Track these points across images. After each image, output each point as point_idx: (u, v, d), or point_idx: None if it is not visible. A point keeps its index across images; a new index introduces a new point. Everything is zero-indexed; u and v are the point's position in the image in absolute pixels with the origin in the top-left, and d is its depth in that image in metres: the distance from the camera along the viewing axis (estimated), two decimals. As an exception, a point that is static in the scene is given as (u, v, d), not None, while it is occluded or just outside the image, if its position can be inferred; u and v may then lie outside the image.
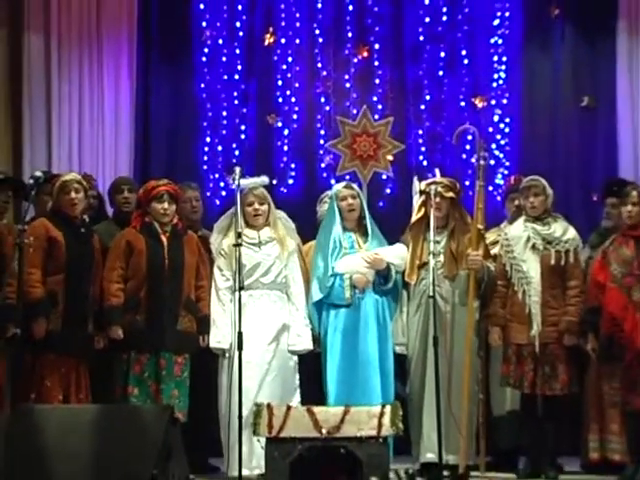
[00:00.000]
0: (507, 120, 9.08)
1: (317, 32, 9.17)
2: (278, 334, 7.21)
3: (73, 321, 6.85)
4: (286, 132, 9.15)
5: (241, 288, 6.76)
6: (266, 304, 7.23)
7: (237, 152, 9.10)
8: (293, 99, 9.18)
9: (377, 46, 9.16)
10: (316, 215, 7.92)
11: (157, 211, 7.09)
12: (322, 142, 8.95)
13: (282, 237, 7.32)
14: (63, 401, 6.73)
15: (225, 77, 9.18)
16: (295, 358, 7.25)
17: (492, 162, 8.80)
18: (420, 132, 9.07)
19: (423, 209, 7.35)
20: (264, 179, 7.43)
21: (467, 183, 8.26)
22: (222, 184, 8.98)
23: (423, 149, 9.05)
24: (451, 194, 7.28)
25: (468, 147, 8.61)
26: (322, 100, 9.13)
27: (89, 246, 7.00)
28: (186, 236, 7.20)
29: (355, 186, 7.51)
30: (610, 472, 7.11)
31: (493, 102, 9.09)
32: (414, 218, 7.45)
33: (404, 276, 7.32)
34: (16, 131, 8.77)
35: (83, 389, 6.88)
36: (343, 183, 7.53)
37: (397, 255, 7.34)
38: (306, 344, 7.25)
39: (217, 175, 9.08)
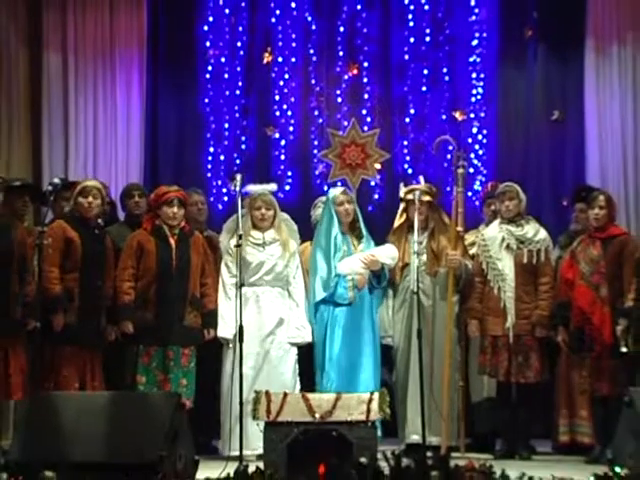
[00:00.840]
0: (484, 132, 9.09)
1: (311, 51, 9.18)
2: (277, 327, 7.23)
3: (87, 315, 6.84)
4: (283, 142, 9.17)
5: (242, 285, 6.73)
6: (269, 299, 7.25)
7: (238, 161, 9.11)
8: (289, 112, 9.19)
9: (366, 64, 9.17)
10: (310, 218, 7.93)
11: (167, 215, 7.09)
12: (316, 152, 8.96)
13: (285, 239, 7.34)
14: (79, 388, 6.72)
15: (227, 92, 9.18)
16: (295, 349, 7.29)
17: (471, 170, 8.83)
18: (405, 142, 9.09)
19: (405, 214, 7.39)
20: (273, 186, 7.51)
21: (448, 189, 8.26)
22: (224, 190, 8.99)
23: (408, 158, 9.06)
24: (428, 198, 7.31)
25: (449, 156, 8.61)
26: (315, 113, 9.15)
27: (102, 246, 6.99)
28: (192, 237, 7.19)
29: (348, 191, 7.53)
30: (578, 453, 7.14)
31: (472, 115, 9.11)
32: (396, 223, 7.49)
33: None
34: (36, 141, 8.77)
35: (97, 377, 6.87)
36: (340, 189, 7.50)
37: (389, 255, 7.34)
38: (306, 337, 7.26)
39: (220, 182, 9.08)
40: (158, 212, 7.11)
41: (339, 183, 7.73)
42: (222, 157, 9.14)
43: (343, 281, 7.27)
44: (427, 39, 9.14)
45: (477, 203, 8.56)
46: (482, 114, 9.10)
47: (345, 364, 7.18)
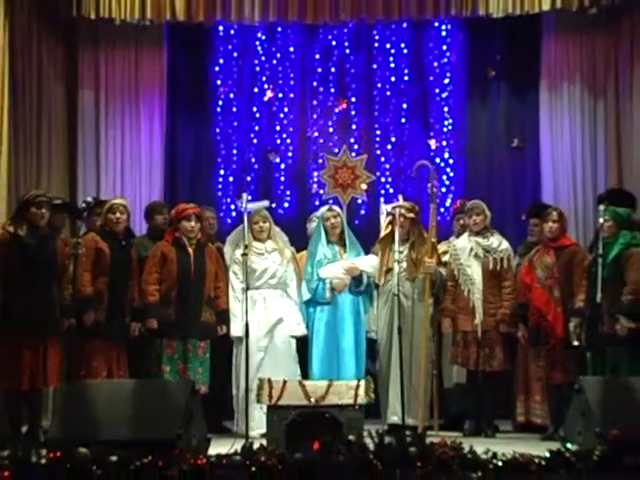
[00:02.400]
0: (454, 157, 9.10)
1: (307, 88, 9.18)
2: (279, 323, 7.25)
3: (114, 313, 6.85)
4: (283, 166, 9.15)
5: (247, 288, 6.85)
6: (272, 300, 7.27)
7: (245, 182, 9.10)
8: (288, 140, 9.17)
9: (353, 99, 9.15)
10: (307, 231, 7.93)
11: (186, 228, 7.10)
12: (315, 174, 8.92)
13: (282, 248, 7.37)
14: (107, 377, 6.72)
15: (235, 124, 9.16)
16: (294, 341, 7.29)
17: (443, 190, 8.84)
18: (387, 166, 9.07)
19: (390, 227, 7.38)
20: (265, 202, 7.55)
21: (423, 206, 8.25)
22: (233, 207, 8.97)
23: (390, 179, 9.05)
24: (412, 215, 7.32)
25: (424, 178, 8.61)
26: (310, 141, 9.14)
27: (128, 255, 6.99)
28: (207, 248, 7.21)
29: (336, 208, 7.53)
30: (534, 432, 7.14)
31: (444, 143, 9.09)
32: (382, 234, 7.48)
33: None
34: (72, 166, 8.76)
35: (122, 367, 6.88)
36: (327, 207, 7.55)
37: (370, 264, 7.36)
38: (303, 330, 7.30)
39: (229, 200, 9.05)
40: (178, 226, 7.12)
41: (331, 200, 7.74)
42: (231, 179, 9.12)
43: (323, 283, 7.31)
44: (405, 78, 9.13)
45: (448, 218, 8.55)
46: (452, 142, 9.10)
47: (327, 355, 7.21)
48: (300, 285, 7.39)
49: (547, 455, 5.49)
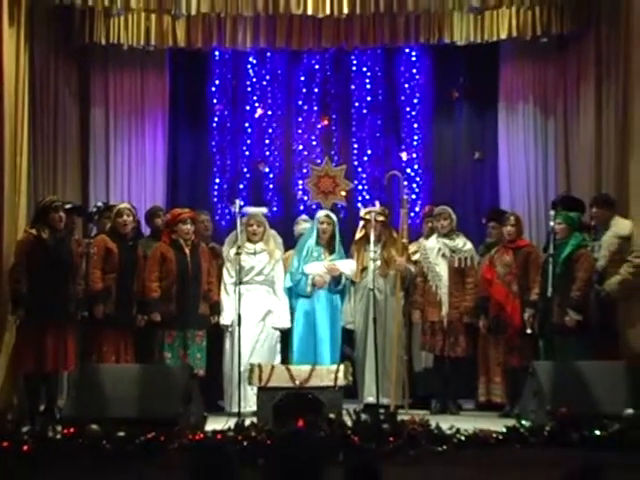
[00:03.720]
0: (423, 168, 9.10)
1: (293, 106, 9.16)
2: (265, 316, 7.24)
3: (122, 306, 6.85)
4: (271, 175, 9.12)
5: (240, 283, 6.83)
6: (258, 295, 7.25)
7: (237, 189, 9.07)
8: (276, 152, 9.14)
9: (334, 116, 9.15)
10: (293, 232, 7.93)
11: (182, 231, 7.07)
12: (300, 182, 8.92)
13: (272, 250, 7.35)
14: (115, 361, 6.72)
15: (229, 137, 9.12)
16: (277, 332, 7.28)
17: (413, 196, 8.83)
18: (364, 175, 9.07)
19: (364, 230, 7.40)
20: (264, 209, 7.57)
21: (395, 211, 8.26)
22: (227, 211, 8.94)
23: (366, 187, 9.05)
24: (382, 218, 7.34)
25: (396, 186, 8.61)
26: (295, 153, 9.13)
27: (134, 255, 6.99)
28: (200, 247, 7.19)
29: (333, 216, 7.51)
30: (493, 410, 7.16)
31: (414, 155, 9.08)
32: (357, 236, 7.52)
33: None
34: (84, 174, 8.71)
35: (129, 353, 6.87)
36: (325, 212, 7.52)
37: (349, 268, 7.38)
38: (286, 323, 7.28)
39: (223, 205, 9.04)
40: (175, 228, 7.09)
41: (314, 206, 7.74)
42: (225, 186, 9.09)
43: (305, 278, 7.29)
44: (380, 97, 9.11)
45: (418, 221, 8.55)
46: (421, 154, 9.09)
47: (305, 342, 7.20)
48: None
49: (504, 430, 5.53)
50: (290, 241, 7.77)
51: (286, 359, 7.15)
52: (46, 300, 6.42)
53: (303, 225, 7.82)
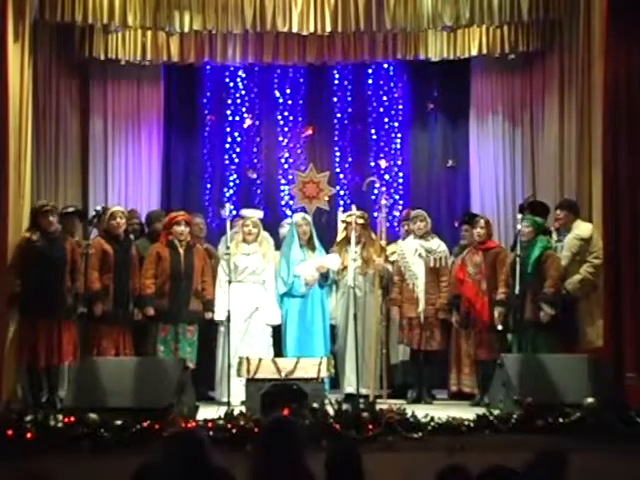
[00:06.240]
0: (401, 174, 9.08)
1: (279, 117, 9.16)
2: (255, 312, 7.23)
3: (119, 304, 6.83)
4: (259, 181, 9.13)
5: (230, 282, 6.86)
6: (250, 292, 7.25)
7: (227, 194, 9.06)
8: (264, 160, 9.16)
9: (318, 126, 9.17)
10: (279, 234, 7.93)
11: (177, 232, 7.07)
12: (286, 188, 8.92)
13: (265, 251, 7.35)
14: (114, 355, 6.70)
15: (219, 146, 9.14)
16: (269, 328, 7.28)
17: (391, 201, 8.85)
18: (345, 182, 9.09)
19: (345, 232, 7.42)
20: (259, 213, 7.56)
21: (375, 215, 8.28)
22: (217, 214, 8.94)
23: (348, 192, 9.07)
24: (362, 220, 7.36)
25: (376, 191, 8.64)
26: (282, 161, 9.12)
27: (129, 255, 6.97)
28: (195, 248, 7.19)
29: (308, 216, 7.52)
30: (464, 399, 7.19)
31: (392, 162, 9.12)
32: (339, 238, 7.54)
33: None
34: (84, 180, 8.68)
35: (127, 347, 6.84)
36: (300, 215, 7.52)
37: (334, 262, 7.37)
38: (277, 319, 7.28)
39: (213, 209, 9.03)
40: (170, 230, 7.09)
41: (299, 209, 7.75)
42: (216, 191, 9.08)
43: (298, 280, 7.28)
44: (360, 109, 9.12)
45: (395, 224, 8.58)
46: (399, 162, 9.12)
47: (300, 338, 7.20)
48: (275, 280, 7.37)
49: (475, 418, 5.56)
50: (276, 243, 7.75)
51: (279, 354, 7.10)
52: (38, 298, 6.43)
53: (287, 228, 7.82)
